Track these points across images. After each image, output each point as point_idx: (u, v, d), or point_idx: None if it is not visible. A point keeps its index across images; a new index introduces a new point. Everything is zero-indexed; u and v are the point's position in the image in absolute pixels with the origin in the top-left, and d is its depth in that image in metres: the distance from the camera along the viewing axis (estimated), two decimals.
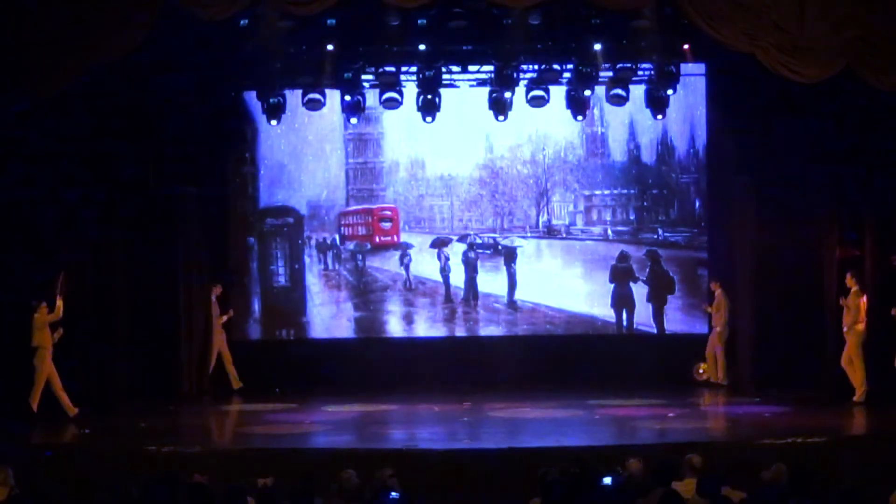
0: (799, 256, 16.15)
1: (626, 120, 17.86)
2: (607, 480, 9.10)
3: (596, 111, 17.83)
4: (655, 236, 18.02)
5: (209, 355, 16.90)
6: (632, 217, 18.08)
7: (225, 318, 17.12)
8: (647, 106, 17.01)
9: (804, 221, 16.45)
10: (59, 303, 14.64)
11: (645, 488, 9.09)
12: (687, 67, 16.75)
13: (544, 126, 17.85)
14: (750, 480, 9.46)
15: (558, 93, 16.88)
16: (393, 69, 16.37)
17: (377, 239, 18.14)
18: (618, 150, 18.05)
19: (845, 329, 15.17)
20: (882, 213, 15.86)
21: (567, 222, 18.17)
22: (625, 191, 18.13)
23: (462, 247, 18.11)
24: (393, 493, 8.88)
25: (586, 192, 18.14)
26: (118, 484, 9.40)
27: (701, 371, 17.19)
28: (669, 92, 16.60)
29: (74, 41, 12.74)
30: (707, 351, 17.14)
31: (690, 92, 17.60)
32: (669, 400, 15.90)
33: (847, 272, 15.33)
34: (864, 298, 15.05)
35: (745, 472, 9.97)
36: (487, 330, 18.09)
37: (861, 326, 15.02)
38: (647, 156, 17.99)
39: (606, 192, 18.16)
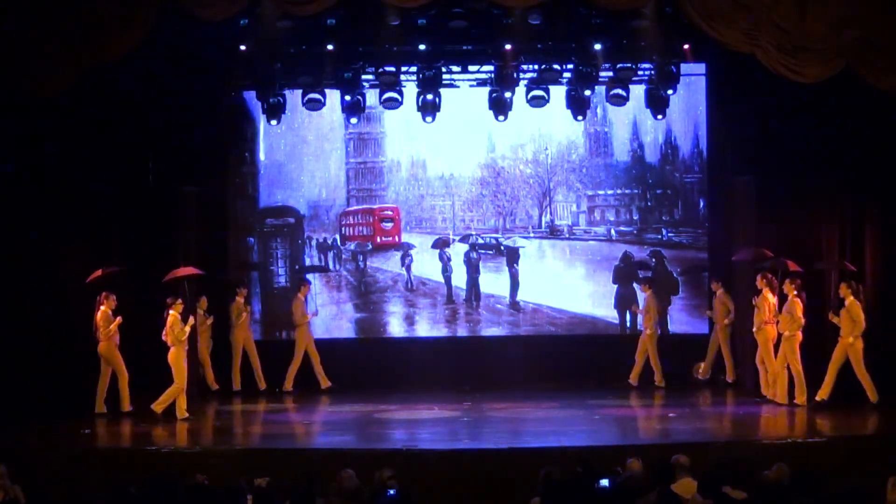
0: (799, 257, 16.10)
1: (629, 119, 17.83)
2: (604, 482, 9.10)
3: (599, 110, 17.81)
4: (659, 237, 17.98)
5: (310, 355, 16.91)
6: (635, 217, 18.02)
7: (311, 316, 17.08)
8: (648, 106, 17.03)
9: (805, 221, 16.45)
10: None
11: (645, 488, 9.09)
12: (687, 67, 16.73)
13: (547, 125, 17.82)
14: (750, 480, 9.46)
15: (560, 92, 16.88)
16: (393, 69, 16.37)
17: (378, 239, 18.11)
18: (621, 150, 18.01)
19: (755, 329, 15.23)
20: (883, 213, 15.87)
21: (570, 222, 18.12)
22: (628, 191, 18.08)
23: (464, 247, 18.06)
24: (391, 491, 8.92)
25: (589, 192, 18.09)
26: (118, 484, 9.40)
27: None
28: (670, 92, 16.58)
29: (74, 41, 12.76)
30: (637, 354, 17.02)
31: (694, 91, 17.58)
32: (670, 400, 15.89)
33: (758, 274, 15.42)
34: (775, 300, 15.03)
35: (746, 472, 9.97)
36: (489, 331, 18.03)
37: (770, 327, 15.03)
38: (651, 155, 17.95)
39: (610, 191, 18.10)
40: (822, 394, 14.64)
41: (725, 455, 11.60)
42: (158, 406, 14.58)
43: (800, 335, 14.77)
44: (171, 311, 14.61)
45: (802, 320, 14.72)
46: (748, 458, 11.36)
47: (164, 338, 14.62)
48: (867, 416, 14.12)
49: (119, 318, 14.91)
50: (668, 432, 13.94)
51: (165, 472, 10.36)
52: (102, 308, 14.84)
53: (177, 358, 14.60)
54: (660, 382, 16.96)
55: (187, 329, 14.67)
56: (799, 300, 14.76)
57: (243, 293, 16.95)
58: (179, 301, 14.77)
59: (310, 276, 17.81)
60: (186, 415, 14.63)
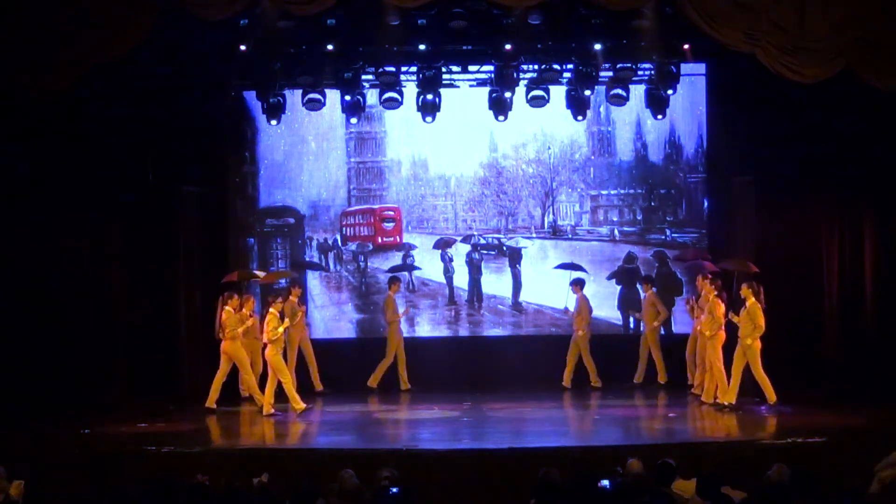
0: (799, 257, 16.11)
1: (632, 119, 17.79)
2: (605, 482, 9.09)
3: (602, 110, 17.78)
4: (663, 237, 17.93)
5: (397, 356, 16.97)
6: (639, 217, 17.98)
7: (402, 315, 17.11)
8: (648, 106, 17.01)
9: (805, 222, 16.45)
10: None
11: (645, 488, 9.08)
12: (687, 67, 16.70)
13: (549, 125, 17.79)
14: (750, 480, 9.45)
15: (560, 92, 16.86)
16: (393, 69, 16.36)
17: (379, 239, 18.08)
18: (624, 150, 17.98)
19: (708, 334, 15.19)
20: (883, 212, 15.87)
21: (573, 223, 18.07)
22: (631, 191, 18.02)
23: (466, 248, 18.01)
24: (393, 489, 8.91)
25: (592, 192, 18.05)
26: (118, 484, 9.41)
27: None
28: (670, 92, 16.57)
29: (74, 41, 12.76)
30: (568, 355, 16.99)
31: (697, 91, 17.54)
32: (670, 400, 15.88)
33: (698, 275, 15.72)
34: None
35: (745, 472, 9.97)
36: (491, 332, 17.99)
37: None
38: (655, 155, 17.90)
39: (613, 191, 18.05)
40: (729, 397, 14.72)
41: (724, 455, 11.61)
42: (267, 406, 14.80)
43: (722, 335, 14.91)
44: (270, 309, 14.87)
45: (723, 320, 14.86)
46: (747, 458, 11.36)
47: (261, 335, 15.00)
48: (866, 415, 14.10)
49: (250, 322, 15.25)
50: (668, 432, 13.92)
51: (165, 472, 10.35)
52: (226, 308, 15.00)
53: (273, 354, 14.82)
54: (595, 383, 16.91)
55: (281, 329, 14.87)
56: (720, 300, 14.90)
57: (297, 293, 16.67)
58: (280, 300, 15.11)
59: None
60: (303, 406, 14.96)
